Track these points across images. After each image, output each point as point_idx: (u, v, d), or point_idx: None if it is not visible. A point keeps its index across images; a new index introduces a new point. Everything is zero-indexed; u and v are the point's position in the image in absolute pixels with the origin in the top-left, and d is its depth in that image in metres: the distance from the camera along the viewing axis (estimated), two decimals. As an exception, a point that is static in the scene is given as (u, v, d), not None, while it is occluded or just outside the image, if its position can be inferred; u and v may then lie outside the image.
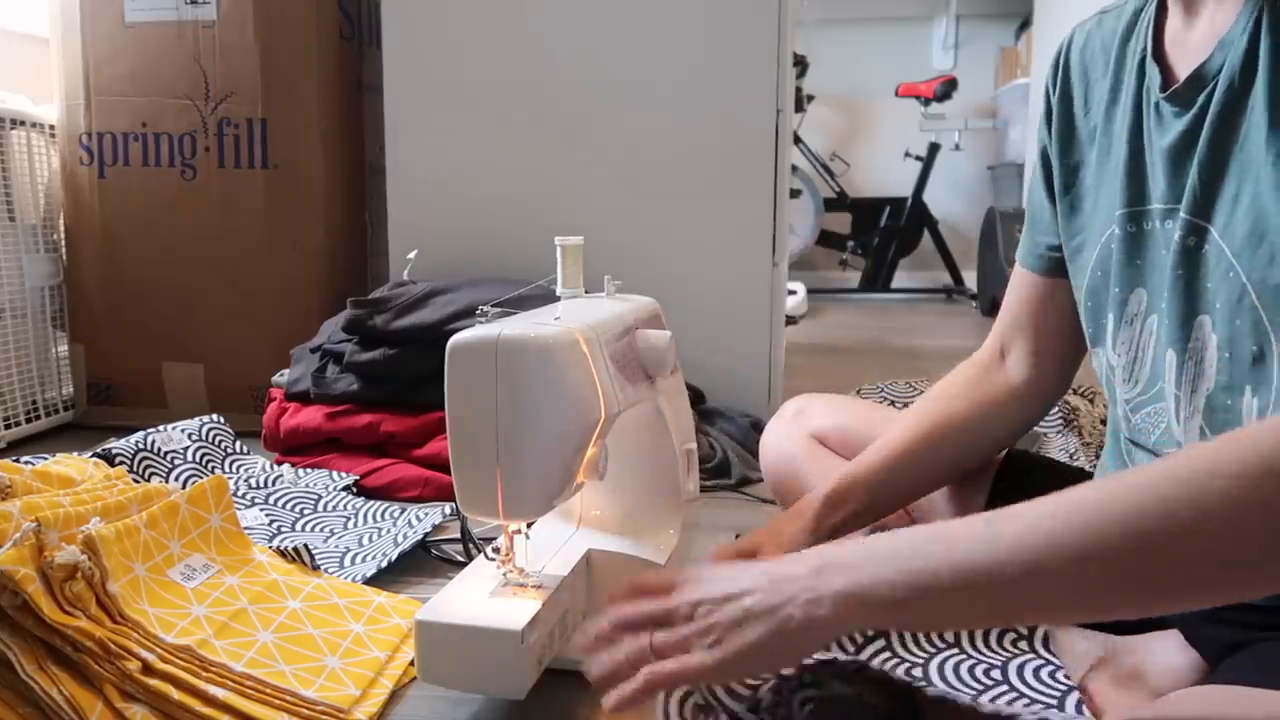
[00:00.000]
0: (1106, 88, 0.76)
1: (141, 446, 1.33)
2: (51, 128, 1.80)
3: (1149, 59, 0.71)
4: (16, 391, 1.70)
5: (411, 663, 0.83)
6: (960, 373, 0.92)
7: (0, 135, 1.68)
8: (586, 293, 0.93)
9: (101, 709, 0.71)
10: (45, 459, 1.10)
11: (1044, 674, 0.73)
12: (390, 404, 1.46)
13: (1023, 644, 0.77)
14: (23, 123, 1.73)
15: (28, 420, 1.73)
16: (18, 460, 1.13)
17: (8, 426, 1.68)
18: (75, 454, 1.18)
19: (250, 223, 1.75)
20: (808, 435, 1.01)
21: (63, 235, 1.81)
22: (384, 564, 1.06)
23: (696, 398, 1.68)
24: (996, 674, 0.74)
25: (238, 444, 1.47)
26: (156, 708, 0.72)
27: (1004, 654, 0.76)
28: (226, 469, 1.41)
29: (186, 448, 1.39)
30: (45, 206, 1.79)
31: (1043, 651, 0.75)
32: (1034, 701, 0.70)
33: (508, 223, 1.77)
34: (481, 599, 0.78)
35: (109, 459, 1.27)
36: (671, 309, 1.04)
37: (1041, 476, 0.90)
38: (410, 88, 1.77)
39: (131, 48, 1.73)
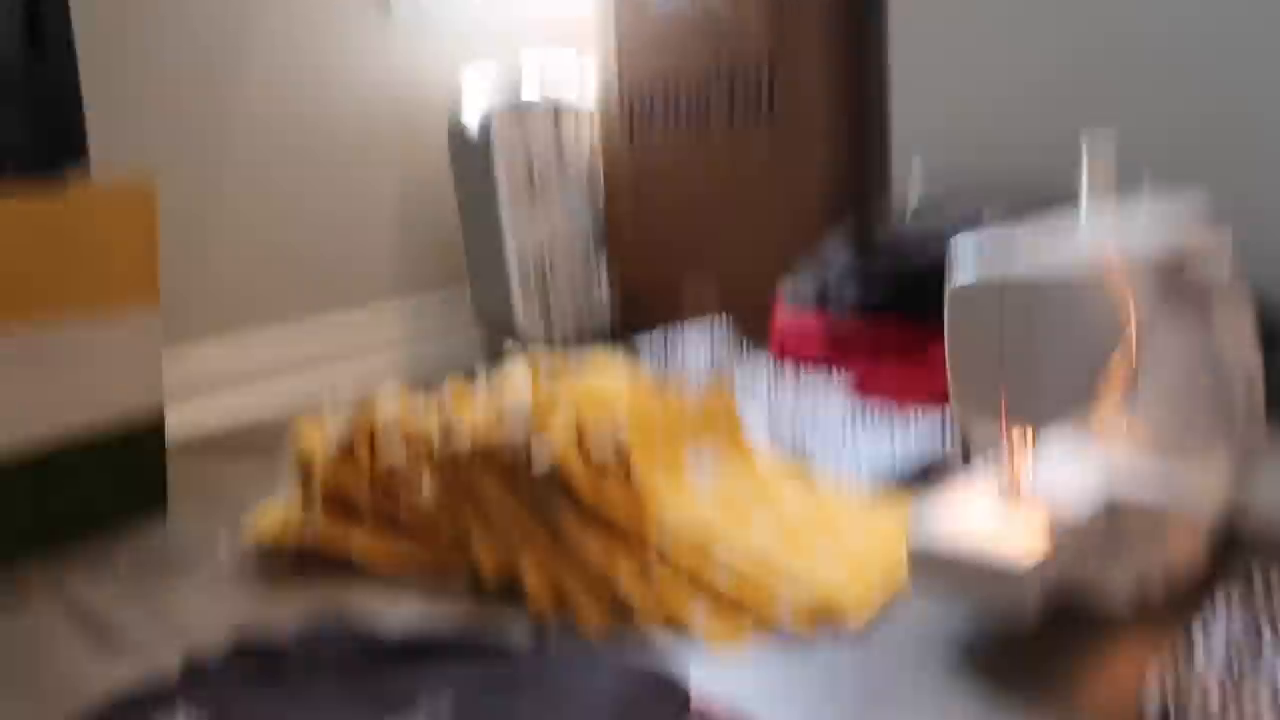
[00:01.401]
0: None
1: (661, 351, 1.48)
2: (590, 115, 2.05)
3: None
4: (568, 311, 2.03)
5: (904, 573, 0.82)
6: None
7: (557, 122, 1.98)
8: (1117, 198, 0.82)
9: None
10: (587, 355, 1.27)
11: None
12: (892, 310, 1.44)
13: None
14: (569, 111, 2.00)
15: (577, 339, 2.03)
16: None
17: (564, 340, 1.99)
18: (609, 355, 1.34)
19: (757, 156, 1.83)
20: None
21: (602, 193, 2.09)
22: (885, 476, 1.06)
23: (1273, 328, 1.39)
24: None
25: (744, 350, 1.57)
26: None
27: None
28: (734, 373, 1.51)
29: (699, 352, 1.51)
30: (589, 175, 2.08)
31: None
32: None
33: (1024, 124, 1.62)
34: (984, 519, 0.73)
35: (635, 359, 1.44)
36: (1235, 207, 0.87)
37: None
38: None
39: (654, 28, 1.87)
